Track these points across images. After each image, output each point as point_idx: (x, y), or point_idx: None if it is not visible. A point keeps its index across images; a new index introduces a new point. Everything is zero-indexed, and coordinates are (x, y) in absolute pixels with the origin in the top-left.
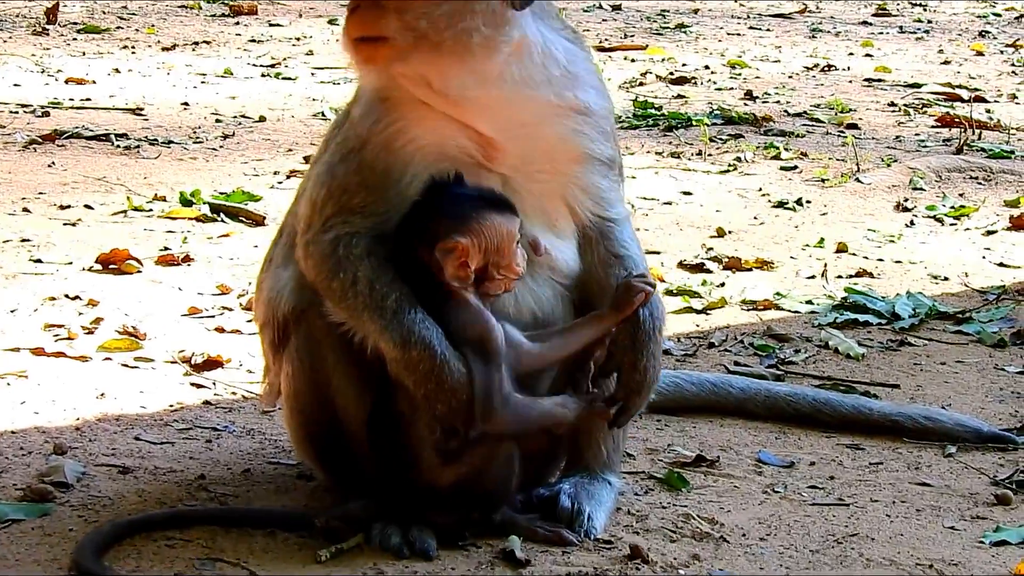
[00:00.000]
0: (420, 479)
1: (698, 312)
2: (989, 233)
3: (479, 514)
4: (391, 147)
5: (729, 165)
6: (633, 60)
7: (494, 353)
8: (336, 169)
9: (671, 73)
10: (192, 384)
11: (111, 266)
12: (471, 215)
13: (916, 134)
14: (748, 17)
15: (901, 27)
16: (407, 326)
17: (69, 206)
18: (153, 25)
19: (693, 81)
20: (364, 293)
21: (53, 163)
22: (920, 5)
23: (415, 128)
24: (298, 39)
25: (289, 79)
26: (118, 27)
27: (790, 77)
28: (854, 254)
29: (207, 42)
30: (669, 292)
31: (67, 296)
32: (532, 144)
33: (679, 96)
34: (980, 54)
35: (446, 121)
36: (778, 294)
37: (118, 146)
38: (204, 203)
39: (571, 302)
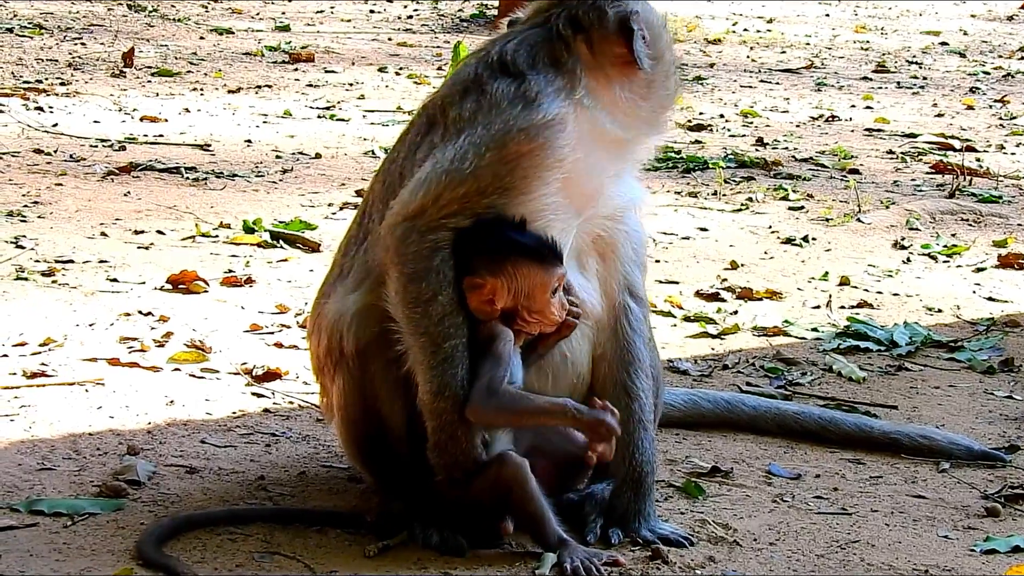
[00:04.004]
0: (434, 490)
1: (713, 337)
2: (979, 270)
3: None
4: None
5: (742, 204)
6: None
7: (498, 354)
8: (473, 163)
9: (689, 121)
10: (253, 394)
11: (180, 286)
12: (508, 259)
13: (912, 179)
14: (759, 71)
15: (899, 83)
16: (448, 378)
17: (143, 231)
18: (220, 70)
19: (709, 128)
20: (433, 318)
21: (128, 192)
22: (916, 63)
23: (572, 153)
24: (351, 84)
25: (343, 120)
26: (188, 71)
27: (797, 126)
28: (855, 287)
29: (269, 86)
30: (687, 318)
31: (140, 312)
32: (610, 193)
33: (696, 141)
34: (971, 108)
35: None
36: (786, 322)
37: (187, 178)
38: (265, 231)
39: (591, 342)
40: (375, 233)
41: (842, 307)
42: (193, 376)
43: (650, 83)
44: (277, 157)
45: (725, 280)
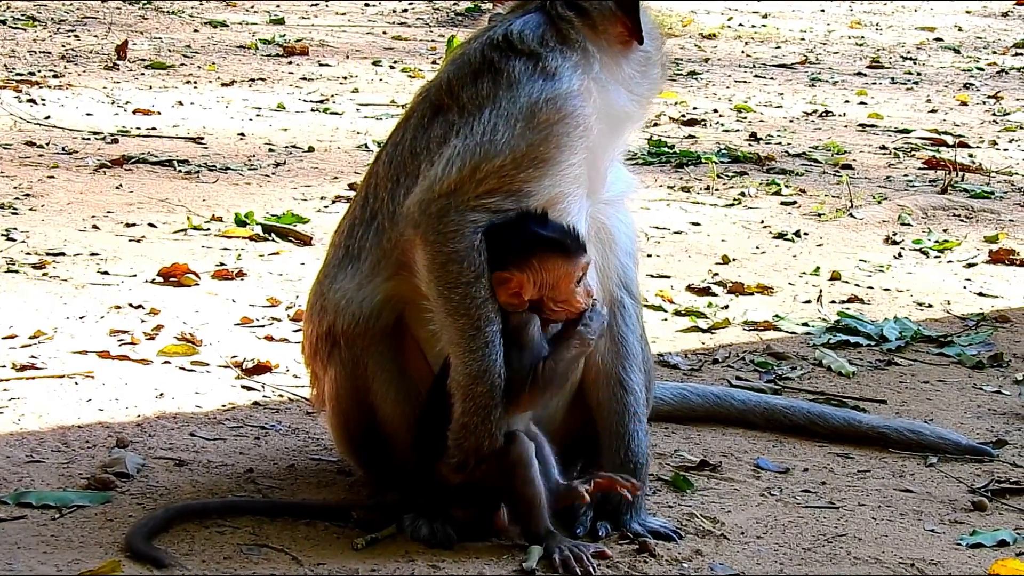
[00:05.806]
0: (436, 476)
1: (704, 331)
2: (970, 266)
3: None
4: (578, 122)
5: (734, 199)
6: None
7: (527, 342)
8: (506, 134)
9: (683, 115)
10: (243, 387)
11: (171, 279)
12: (532, 253)
13: (905, 175)
14: (753, 66)
15: (893, 78)
16: (489, 363)
17: (134, 224)
18: (214, 63)
19: (703, 123)
20: (477, 300)
21: (120, 185)
22: (910, 59)
23: (595, 124)
24: (345, 78)
25: (336, 114)
26: (182, 64)
27: (791, 121)
28: (846, 282)
29: (262, 79)
30: (678, 313)
31: (131, 305)
32: (611, 175)
33: (690, 136)
34: (964, 104)
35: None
36: (777, 316)
37: (180, 171)
38: (257, 224)
39: None
40: (385, 212)
41: (833, 302)
42: (183, 369)
43: (647, 59)
44: (270, 150)
45: (716, 275)
